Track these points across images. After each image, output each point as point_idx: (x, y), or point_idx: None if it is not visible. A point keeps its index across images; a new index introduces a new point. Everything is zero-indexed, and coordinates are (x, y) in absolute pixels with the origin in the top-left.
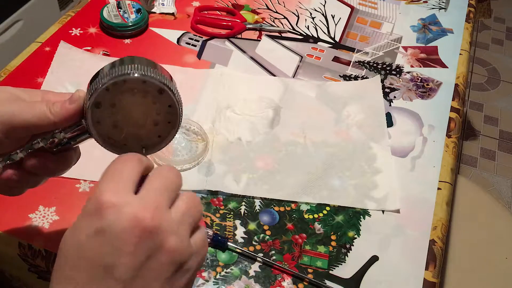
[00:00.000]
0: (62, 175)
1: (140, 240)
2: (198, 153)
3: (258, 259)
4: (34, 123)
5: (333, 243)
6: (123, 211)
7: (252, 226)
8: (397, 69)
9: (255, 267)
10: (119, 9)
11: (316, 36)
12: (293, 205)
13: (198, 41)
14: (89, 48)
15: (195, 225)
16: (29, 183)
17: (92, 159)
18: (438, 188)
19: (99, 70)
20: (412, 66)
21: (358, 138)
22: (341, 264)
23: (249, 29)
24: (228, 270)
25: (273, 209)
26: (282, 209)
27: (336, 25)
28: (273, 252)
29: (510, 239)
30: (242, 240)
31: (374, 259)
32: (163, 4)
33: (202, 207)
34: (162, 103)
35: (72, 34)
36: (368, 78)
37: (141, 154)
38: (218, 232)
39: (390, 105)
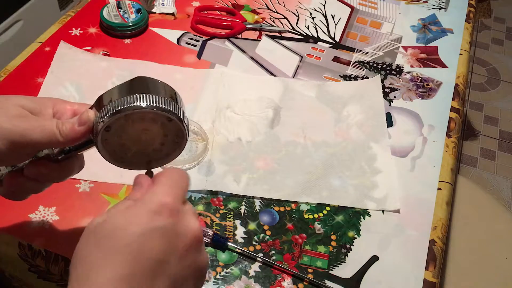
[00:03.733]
0: None
1: (192, 248)
2: (198, 153)
3: (258, 259)
4: (43, 143)
5: (333, 243)
6: (186, 218)
7: (252, 226)
8: (397, 69)
9: (255, 267)
10: (119, 9)
11: (316, 36)
12: (293, 205)
13: (198, 41)
14: (89, 48)
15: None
16: (31, 189)
17: (92, 160)
18: (438, 188)
19: (110, 90)
20: (412, 66)
21: (358, 138)
22: (341, 264)
23: (249, 29)
24: (228, 270)
25: (273, 209)
26: (282, 209)
27: (336, 25)
28: (273, 252)
29: (510, 239)
30: (242, 240)
31: (374, 259)
32: (163, 4)
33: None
34: (170, 128)
35: (72, 34)
36: (368, 78)
37: (146, 168)
38: (218, 232)
39: (390, 105)
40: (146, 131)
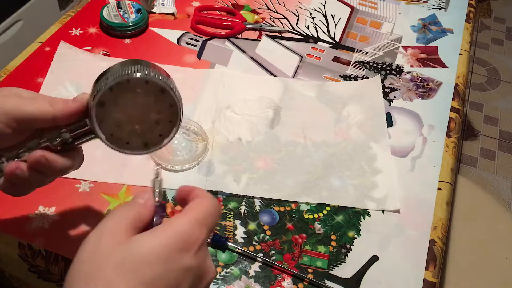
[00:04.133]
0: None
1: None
2: (198, 153)
3: (258, 259)
4: (36, 115)
5: (333, 243)
6: (208, 258)
7: (252, 226)
8: (397, 69)
9: (255, 267)
10: (119, 9)
11: (316, 36)
12: (293, 205)
13: (198, 41)
14: (89, 48)
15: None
16: (34, 182)
17: (92, 160)
18: (438, 188)
19: (103, 71)
20: (412, 66)
21: (358, 138)
22: (341, 264)
23: (249, 29)
24: (228, 270)
25: (273, 209)
26: (282, 209)
27: (336, 25)
28: (273, 252)
29: (510, 239)
30: (242, 240)
31: (374, 259)
32: (163, 4)
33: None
34: (163, 102)
35: (72, 34)
36: (368, 78)
37: (144, 151)
38: (218, 232)
39: (390, 105)
40: (140, 107)
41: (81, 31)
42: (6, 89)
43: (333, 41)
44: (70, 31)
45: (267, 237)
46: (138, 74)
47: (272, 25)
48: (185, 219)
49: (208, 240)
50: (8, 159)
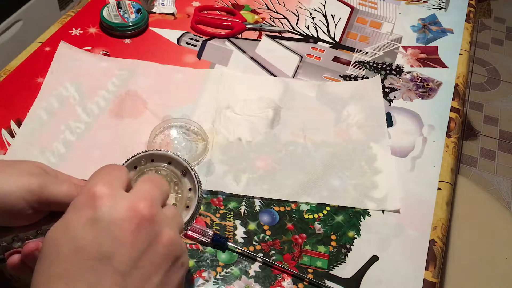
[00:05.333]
0: None
1: (138, 229)
2: (198, 153)
3: (258, 259)
4: (60, 200)
5: (333, 243)
6: (118, 201)
7: (252, 226)
8: (397, 69)
9: (255, 267)
10: (119, 9)
11: (316, 36)
12: (293, 205)
13: (198, 41)
14: (89, 48)
15: (180, 228)
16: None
17: (92, 159)
18: (438, 188)
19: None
20: (412, 66)
21: (358, 138)
22: (341, 264)
23: (249, 29)
24: (228, 270)
25: (273, 209)
26: (282, 209)
27: (336, 25)
28: (273, 252)
29: (510, 239)
30: (242, 240)
31: (374, 259)
32: (163, 4)
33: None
34: (183, 186)
35: (72, 34)
36: (368, 78)
37: None
38: (218, 232)
39: (390, 105)
40: None
41: (81, 31)
42: (32, 165)
43: (333, 41)
44: (70, 31)
45: (267, 237)
46: (162, 151)
47: (272, 25)
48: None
49: (208, 240)
50: (26, 239)
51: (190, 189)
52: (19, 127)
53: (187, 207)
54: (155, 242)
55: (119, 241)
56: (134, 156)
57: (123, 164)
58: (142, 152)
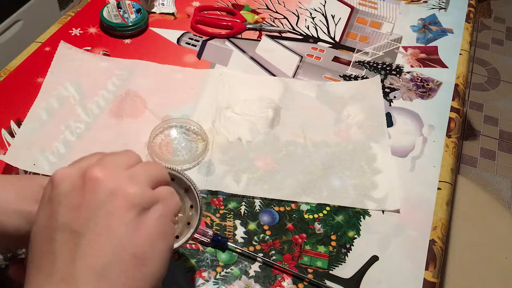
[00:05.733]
0: None
1: (87, 190)
2: (198, 153)
3: (258, 259)
4: None
5: (333, 243)
6: (70, 172)
7: (252, 226)
8: (397, 69)
9: (255, 267)
10: (119, 9)
11: (316, 36)
12: (293, 205)
13: (198, 41)
14: (89, 48)
15: (157, 180)
16: None
17: None
18: (438, 188)
19: None
20: (412, 66)
21: (358, 138)
22: (341, 264)
23: (249, 29)
24: (228, 270)
25: (273, 209)
26: (282, 209)
27: (336, 25)
28: (273, 252)
29: (510, 239)
30: (242, 240)
31: (374, 259)
32: (163, 4)
33: (163, 169)
34: (185, 204)
35: (72, 34)
36: (368, 78)
37: None
38: (218, 232)
39: (390, 105)
40: None
41: (81, 31)
42: (36, 184)
43: (333, 41)
44: (70, 31)
45: (267, 237)
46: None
47: (272, 25)
48: None
49: (208, 240)
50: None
51: (191, 207)
52: (19, 127)
53: (188, 223)
54: (112, 198)
55: (71, 207)
56: None
57: None
58: None
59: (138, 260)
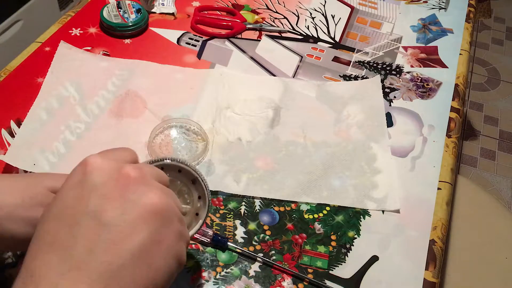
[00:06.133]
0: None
1: (125, 187)
2: (198, 153)
3: (258, 259)
4: None
5: (333, 243)
6: (107, 164)
7: (252, 226)
8: (397, 69)
9: (255, 267)
10: (119, 9)
11: (316, 36)
12: (293, 205)
13: (198, 41)
14: (89, 48)
15: (177, 204)
16: None
17: None
18: (438, 188)
19: None
20: (412, 66)
21: (358, 138)
22: (341, 264)
23: (249, 29)
24: (228, 270)
25: (273, 209)
26: (282, 209)
27: (336, 25)
28: (273, 252)
29: (510, 239)
30: (242, 240)
31: (374, 259)
32: (163, 4)
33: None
34: (194, 194)
35: (72, 34)
36: (368, 78)
37: None
38: (218, 232)
39: (390, 105)
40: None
41: (81, 31)
42: (41, 187)
43: (333, 41)
44: (70, 31)
45: (267, 237)
46: (173, 161)
47: (272, 25)
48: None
49: (208, 240)
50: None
51: (199, 197)
52: (19, 127)
53: (197, 214)
54: (144, 199)
55: (105, 197)
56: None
57: None
58: (152, 161)
59: (151, 272)
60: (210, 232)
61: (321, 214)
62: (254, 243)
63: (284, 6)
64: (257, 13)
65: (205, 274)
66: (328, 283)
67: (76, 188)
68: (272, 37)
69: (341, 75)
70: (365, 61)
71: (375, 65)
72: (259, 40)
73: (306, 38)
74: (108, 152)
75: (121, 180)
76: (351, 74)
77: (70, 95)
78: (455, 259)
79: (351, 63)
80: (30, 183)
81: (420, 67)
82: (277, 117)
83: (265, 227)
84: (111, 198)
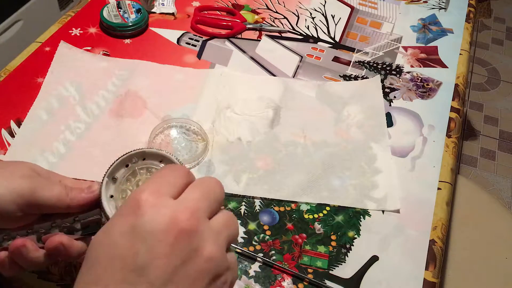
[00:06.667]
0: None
1: (176, 241)
2: (198, 153)
3: (258, 259)
4: (52, 203)
5: (333, 243)
6: (160, 210)
7: (252, 226)
8: (397, 69)
9: (255, 267)
10: (119, 9)
11: (316, 36)
12: (293, 205)
13: (198, 41)
14: (89, 48)
15: (230, 241)
16: (41, 265)
17: (92, 159)
18: (438, 188)
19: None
20: (412, 66)
21: (358, 138)
22: (341, 264)
23: (249, 29)
24: None
25: (273, 209)
26: (282, 209)
27: (336, 25)
28: (273, 252)
29: (510, 239)
30: (242, 240)
31: (374, 259)
32: (163, 4)
33: (238, 227)
34: None
35: (72, 34)
36: (368, 78)
37: None
38: None
39: (390, 105)
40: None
41: (81, 31)
42: (25, 168)
43: (333, 41)
44: (70, 31)
45: (267, 237)
46: (154, 150)
47: (272, 25)
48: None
49: None
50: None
51: None
52: (19, 127)
53: None
54: (194, 256)
55: (155, 252)
56: (125, 154)
57: (114, 162)
58: (133, 150)
59: None
60: None
61: (321, 214)
62: (254, 243)
63: (284, 6)
64: (257, 13)
65: None
66: (328, 283)
67: (126, 234)
68: (272, 37)
69: (341, 75)
70: (365, 61)
71: (375, 65)
72: (259, 40)
73: (306, 38)
74: (161, 182)
75: (173, 232)
76: (351, 74)
77: (70, 95)
78: (455, 259)
79: (351, 63)
80: (15, 163)
81: (420, 67)
82: (277, 117)
83: (265, 227)
84: (160, 254)
